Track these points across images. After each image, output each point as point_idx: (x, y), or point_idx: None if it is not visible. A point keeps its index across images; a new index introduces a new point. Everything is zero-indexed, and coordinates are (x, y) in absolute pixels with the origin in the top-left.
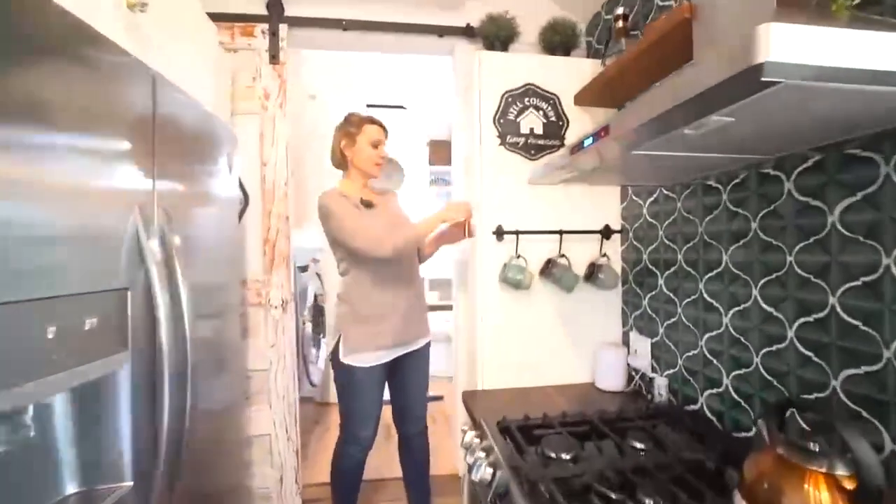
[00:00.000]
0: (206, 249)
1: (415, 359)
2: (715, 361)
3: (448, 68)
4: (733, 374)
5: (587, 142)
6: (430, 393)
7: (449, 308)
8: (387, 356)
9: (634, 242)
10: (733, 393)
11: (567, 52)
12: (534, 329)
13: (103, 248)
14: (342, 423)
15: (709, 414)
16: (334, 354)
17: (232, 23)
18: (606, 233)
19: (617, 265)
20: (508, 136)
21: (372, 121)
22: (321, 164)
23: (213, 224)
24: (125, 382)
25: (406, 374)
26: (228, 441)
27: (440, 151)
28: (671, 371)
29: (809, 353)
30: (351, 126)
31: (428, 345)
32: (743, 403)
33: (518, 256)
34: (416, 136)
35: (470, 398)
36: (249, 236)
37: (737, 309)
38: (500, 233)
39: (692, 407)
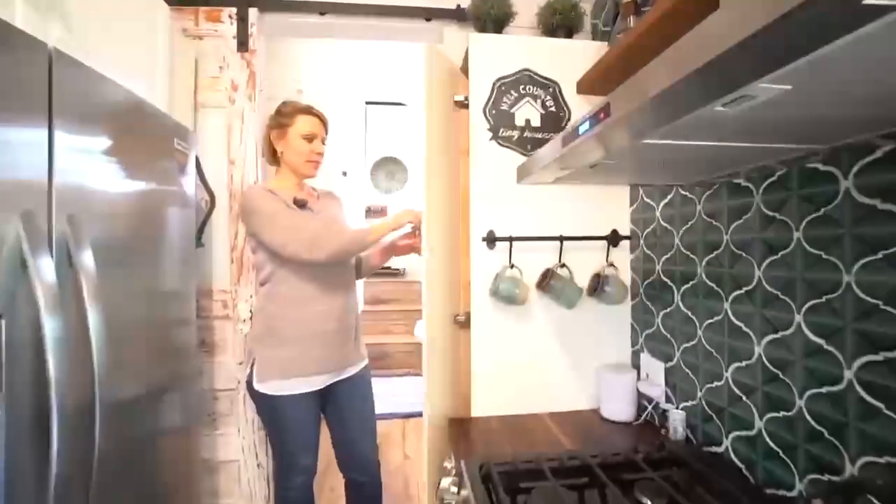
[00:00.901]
0: (144, 257)
1: (351, 386)
2: (745, 398)
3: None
4: (769, 416)
5: (583, 128)
6: (410, 408)
7: None
8: (310, 385)
9: (646, 250)
10: (768, 439)
11: (569, 35)
12: (531, 349)
13: None
14: (275, 456)
15: (736, 460)
16: (248, 382)
17: (196, 6)
18: (614, 239)
19: (626, 276)
20: (501, 129)
21: (308, 111)
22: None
23: (154, 227)
24: None
25: (344, 405)
26: (184, 469)
27: None
28: (689, 403)
29: (878, 404)
30: (282, 116)
31: (366, 369)
32: (781, 454)
33: (512, 266)
34: (417, 134)
35: (456, 428)
36: (216, 242)
37: (773, 337)
38: (491, 239)
39: (715, 449)
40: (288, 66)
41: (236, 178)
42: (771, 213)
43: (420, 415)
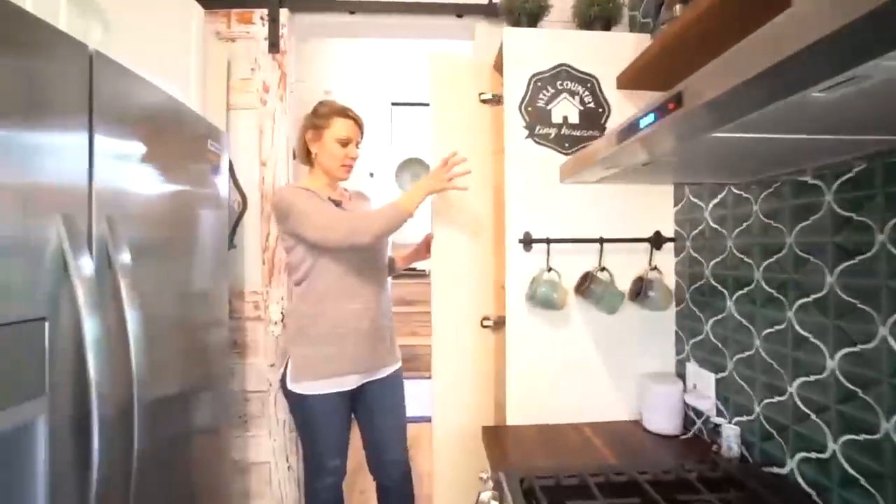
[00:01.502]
0: (179, 258)
1: (383, 387)
2: (814, 416)
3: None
4: (845, 438)
5: (645, 121)
6: (422, 412)
7: None
8: (343, 385)
9: (693, 253)
10: (845, 464)
11: (607, 27)
12: (568, 355)
13: (13, 267)
14: (305, 456)
15: (804, 484)
16: (283, 381)
17: (228, 9)
18: (657, 241)
19: (670, 280)
20: (538, 127)
21: (344, 114)
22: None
23: (189, 229)
24: (42, 434)
25: (374, 406)
26: (216, 470)
27: None
28: (745, 418)
29: None
30: (318, 117)
31: (399, 371)
32: (863, 481)
33: (550, 270)
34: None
35: (492, 438)
36: (248, 243)
37: (849, 350)
38: (527, 241)
39: (776, 470)
40: (315, 67)
41: (268, 179)
42: (846, 214)
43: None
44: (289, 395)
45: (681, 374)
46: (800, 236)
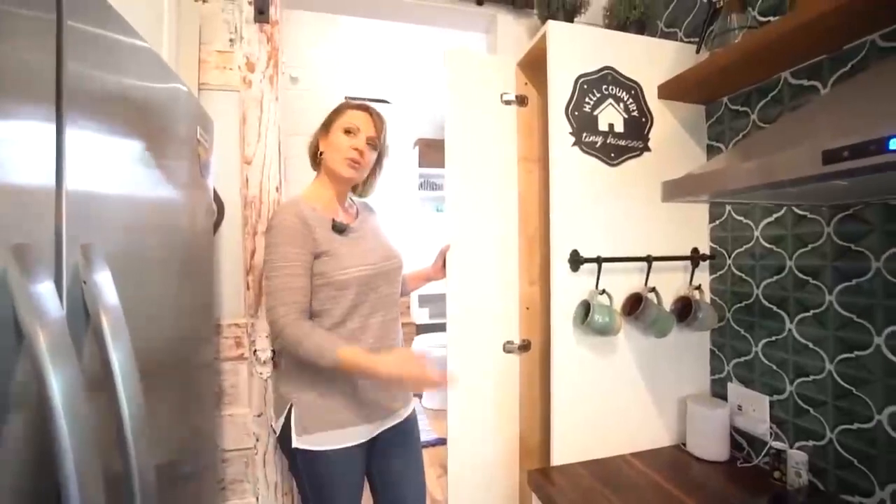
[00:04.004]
0: (165, 286)
1: (402, 434)
2: None
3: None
4: None
5: None
6: (434, 435)
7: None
8: (362, 434)
9: (737, 272)
10: None
11: (640, 31)
12: (611, 383)
13: None
14: None
15: None
16: (283, 436)
17: None
18: (696, 259)
19: (705, 298)
20: (584, 134)
21: (359, 106)
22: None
23: (178, 249)
24: None
25: (393, 465)
26: None
27: (430, 152)
28: (814, 444)
29: None
30: (332, 112)
31: (413, 414)
32: None
33: (602, 292)
34: (403, 135)
35: (543, 483)
36: (226, 263)
37: None
38: (576, 260)
39: (861, 500)
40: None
41: (253, 181)
42: None
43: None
44: (295, 453)
45: (718, 395)
46: (892, 262)
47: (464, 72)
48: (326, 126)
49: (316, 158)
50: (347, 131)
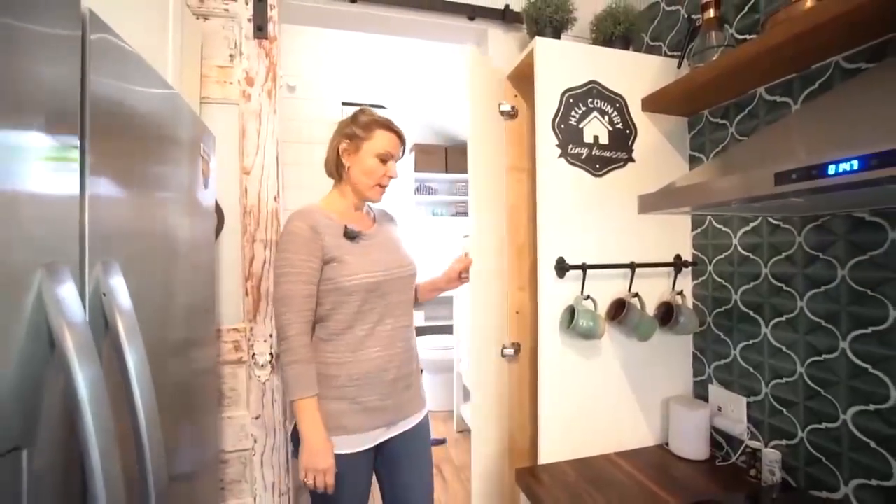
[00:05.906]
0: (170, 292)
1: (412, 441)
2: (873, 444)
3: (440, 64)
4: None
5: (845, 167)
6: (432, 436)
7: (443, 331)
8: (366, 441)
9: (717, 278)
10: None
11: (625, 46)
12: (596, 384)
13: None
14: None
15: None
16: (294, 439)
17: None
18: (679, 266)
19: (687, 303)
20: (570, 146)
21: (388, 126)
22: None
23: (184, 254)
24: None
25: (402, 472)
26: None
27: (426, 157)
28: (786, 443)
29: None
30: (358, 126)
31: (426, 419)
32: None
33: (587, 297)
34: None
35: (530, 481)
36: (225, 270)
37: None
38: (562, 267)
39: (828, 495)
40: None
41: (252, 190)
42: None
43: None
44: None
45: (700, 396)
46: (857, 271)
47: (481, 80)
48: (354, 141)
49: (337, 169)
50: (381, 157)
